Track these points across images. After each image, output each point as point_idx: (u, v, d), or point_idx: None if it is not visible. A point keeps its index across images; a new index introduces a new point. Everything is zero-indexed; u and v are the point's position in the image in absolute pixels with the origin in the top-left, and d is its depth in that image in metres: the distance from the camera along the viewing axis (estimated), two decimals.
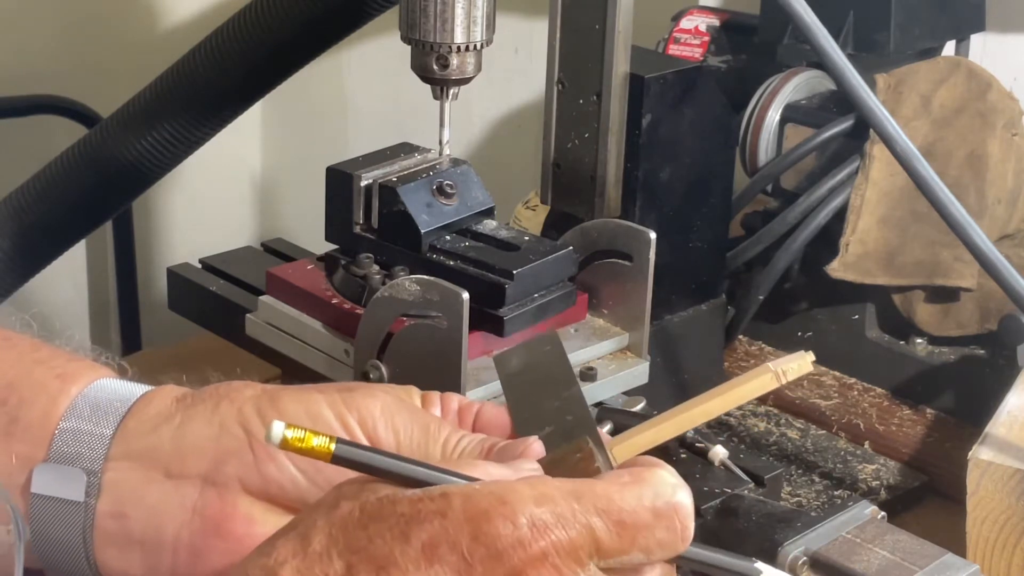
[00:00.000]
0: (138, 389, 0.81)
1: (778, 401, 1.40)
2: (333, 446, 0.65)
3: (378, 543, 0.62)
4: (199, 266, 1.37)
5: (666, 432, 0.80)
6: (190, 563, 0.77)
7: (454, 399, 0.82)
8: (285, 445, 0.64)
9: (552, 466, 0.70)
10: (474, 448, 0.74)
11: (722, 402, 0.84)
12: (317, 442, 0.64)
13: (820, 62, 1.16)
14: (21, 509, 0.77)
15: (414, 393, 0.81)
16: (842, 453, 1.32)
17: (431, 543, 0.62)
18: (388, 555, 0.62)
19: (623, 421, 1.08)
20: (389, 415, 0.75)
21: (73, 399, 0.79)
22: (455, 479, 0.66)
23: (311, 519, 0.65)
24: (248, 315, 1.21)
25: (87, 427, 0.78)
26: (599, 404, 1.12)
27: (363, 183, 1.15)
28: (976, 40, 1.56)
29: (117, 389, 0.81)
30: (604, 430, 1.07)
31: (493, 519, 0.62)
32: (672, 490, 0.67)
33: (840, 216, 1.37)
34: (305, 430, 0.64)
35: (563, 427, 0.75)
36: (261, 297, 1.21)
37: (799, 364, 0.82)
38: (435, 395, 0.81)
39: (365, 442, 0.74)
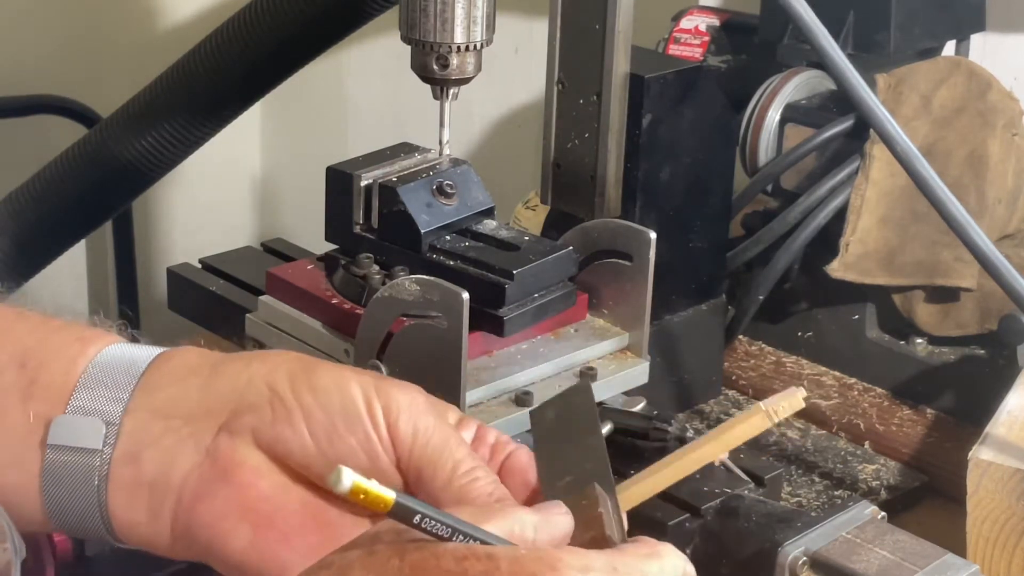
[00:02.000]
0: (156, 349, 0.82)
1: None
2: (393, 497, 0.65)
3: None
4: (199, 266, 1.37)
5: (665, 480, 0.82)
6: (190, 506, 0.78)
7: (492, 433, 0.81)
8: (352, 491, 0.64)
9: None
10: (487, 485, 0.75)
11: (717, 446, 0.86)
12: (380, 490, 0.65)
13: (820, 62, 1.16)
14: (36, 465, 0.78)
15: (451, 412, 0.80)
16: (842, 453, 1.32)
17: None
18: None
19: (623, 421, 1.08)
20: (415, 413, 0.76)
21: (91, 359, 0.80)
22: (502, 543, 0.67)
23: (346, 561, 0.66)
24: (248, 315, 1.21)
25: (108, 381, 0.79)
26: (599, 404, 1.12)
27: (363, 183, 1.15)
28: (976, 40, 1.56)
29: (135, 351, 0.82)
30: (604, 430, 1.07)
31: None
32: (684, 563, 0.71)
33: (840, 216, 1.37)
34: (371, 482, 0.64)
35: (581, 476, 0.76)
36: (261, 297, 1.21)
37: (790, 402, 0.84)
38: (473, 422, 0.81)
39: (383, 425, 0.75)
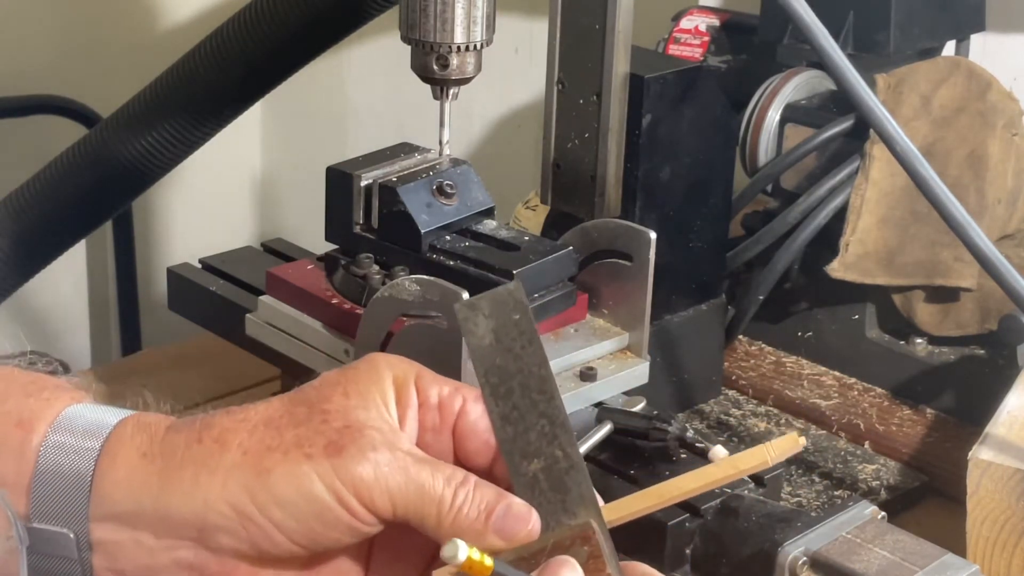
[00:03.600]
0: (95, 440, 0.78)
1: (778, 401, 1.40)
2: (491, 566, 0.69)
3: None
4: (199, 266, 1.37)
5: (655, 498, 0.79)
6: None
7: (433, 390, 0.79)
8: (465, 563, 0.67)
9: (556, 554, 0.73)
10: (472, 510, 0.74)
11: (711, 477, 0.84)
12: (485, 560, 0.69)
13: (820, 62, 1.16)
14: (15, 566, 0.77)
15: (387, 387, 0.77)
16: (842, 453, 1.32)
17: None
18: None
19: (623, 421, 1.08)
20: (383, 481, 0.73)
21: (37, 453, 0.77)
22: None
23: None
24: (248, 315, 1.21)
25: (62, 484, 0.77)
26: (599, 404, 1.12)
27: (363, 183, 1.15)
28: (976, 40, 1.56)
29: (76, 449, 0.78)
30: (604, 430, 1.07)
31: None
32: None
33: (840, 216, 1.37)
34: (482, 554, 0.68)
35: (553, 470, 0.75)
36: (261, 297, 1.21)
37: (790, 445, 0.85)
38: (411, 387, 0.78)
39: (361, 511, 0.73)
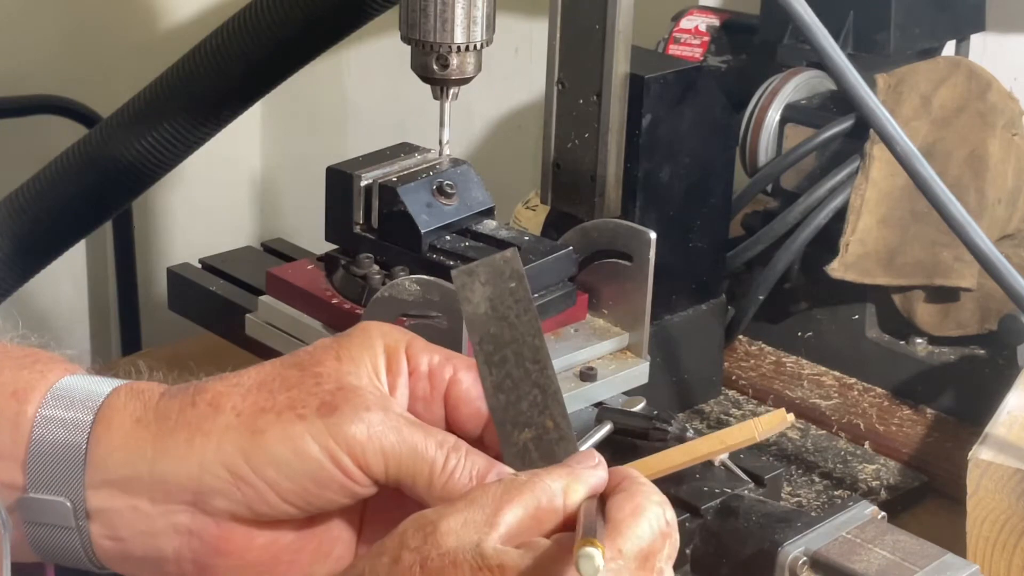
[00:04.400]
0: (88, 410, 0.78)
1: (778, 401, 1.40)
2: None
3: None
4: (199, 266, 1.37)
5: (642, 470, 0.79)
6: (198, 573, 0.78)
7: (424, 358, 0.79)
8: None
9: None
10: (463, 476, 0.74)
11: (698, 451, 0.84)
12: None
13: (820, 62, 1.16)
14: (19, 535, 0.77)
15: (379, 354, 0.78)
16: (842, 453, 1.32)
17: None
18: None
19: (623, 421, 1.08)
20: (376, 440, 0.73)
21: (32, 422, 0.77)
22: None
23: (375, 571, 0.67)
24: (248, 315, 1.21)
25: (57, 454, 0.77)
26: (599, 404, 1.12)
27: (363, 183, 1.15)
28: (976, 40, 1.56)
29: (72, 414, 0.78)
30: (604, 430, 1.07)
31: None
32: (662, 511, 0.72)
33: (840, 216, 1.37)
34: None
35: (544, 440, 0.75)
36: (261, 297, 1.21)
37: (778, 420, 0.85)
38: (401, 354, 0.78)
39: (355, 470, 0.73)
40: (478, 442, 0.77)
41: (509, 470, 0.74)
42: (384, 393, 0.77)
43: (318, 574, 0.78)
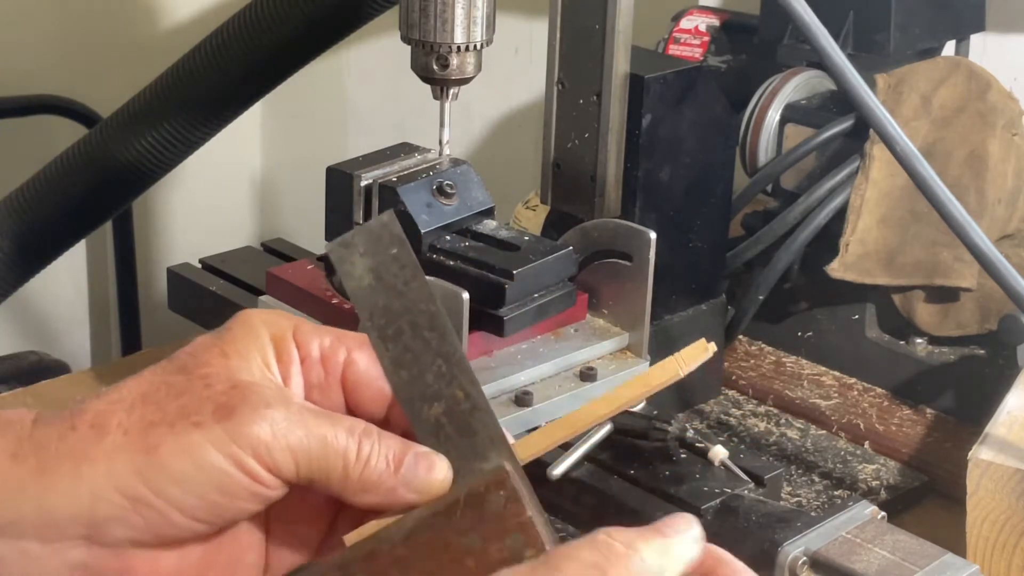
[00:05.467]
0: None
1: (778, 401, 1.40)
2: None
3: None
4: (199, 266, 1.37)
5: (566, 428, 0.73)
6: None
7: (314, 342, 0.73)
8: None
9: (471, 504, 0.68)
10: (380, 462, 0.69)
11: (623, 397, 0.81)
12: None
13: (820, 62, 1.16)
14: None
15: (266, 344, 0.72)
16: (842, 453, 1.32)
17: None
18: None
19: (623, 421, 1.08)
20: (282, 439, 0.68)
21: None
22: None
23: None
24: None
25: None
26: None
27: (363, 183, 1.15)
28: (976, 40, 1.56)
29: None
30: (604, 430, 1.07)
31: None
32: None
33: (840, 216, 1.37)
34: None
35: (456, 412, 0.69)
36: (261, 297, 1.21)
37: (699, 352, 0.82)
38: (290, 341, 0.72)
39: (263, 474, 0.68)
40: (384, 424, 0.72)
41: (426, 449, 0.70)
42: (279, 385, 0.71)
43: None
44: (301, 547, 0.74)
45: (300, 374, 0.72)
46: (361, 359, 0.73)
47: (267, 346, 0.72)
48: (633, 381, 0.77)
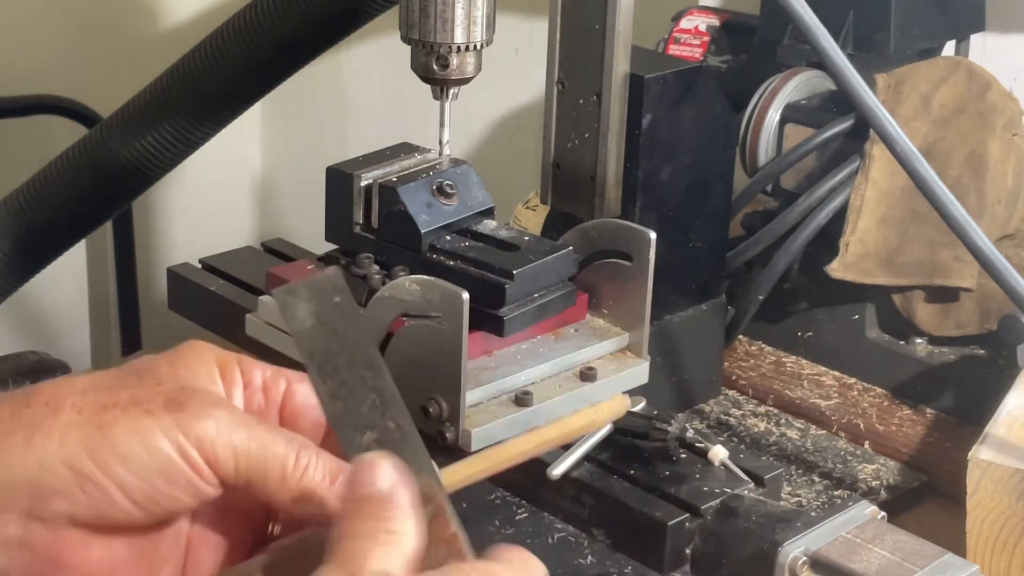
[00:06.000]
0: None
1: (778, 401, 1.40)
2: None
3: None
4: (199, 266, 1.37)
5: (490, 461, 0.79)
6: None
7: (256, 372, 0.77)
8: None
9: None
10: (317, 472, 0.72)
11: (543, 437, 0.83)
12: None
13: (820, 62, 1.16)
14: None
15: (212, 365, 0.76)
16: (842, 453, 1.32)
17: None
18: None
19: (623, 421, 1.08)
20: (226, 436, 0.71)
21: None
22: None
23: None
24: (248, 315, 1.21)
25: None
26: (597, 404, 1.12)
27: (363, 183, 1.15)
28: (976, 40, 1.56)
29: None
30: (604, 430, 1.07)
31: None
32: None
33: (840, 216, 1.37)
34: None
35: (387, 441, 0.73)
36: (261, 297, 1.21)
37: (617, 406, 0.89)
38: (235, 366, 0.77)
39: (204, 467, 0.71)
40: None
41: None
42: (224, 396, 0.75)
43: None
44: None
45: (242, 398, 0.76)
46: (300, 391, 0.77)
47: (213, 367, 0.76)
48: (554, 424, 0.82)
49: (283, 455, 0.72)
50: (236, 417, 0.73)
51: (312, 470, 0.72)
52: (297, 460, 0.72)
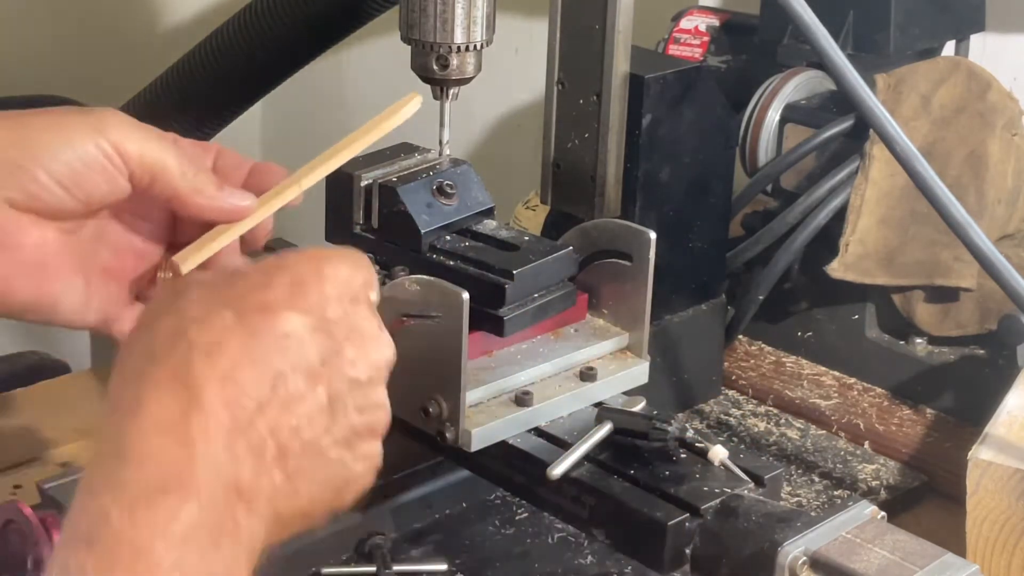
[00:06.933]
0: None
1: (778, 401, 1.40)
2: None
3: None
4: None
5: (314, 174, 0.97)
6: None
7: (229, 156, 0.95)
8: None
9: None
10: (207, 174, 0.90)
11: (358, 139, 1.03)
12: None
13: (820, 62, 1.16)
14: None
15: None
16: (842, 453, 1.32)
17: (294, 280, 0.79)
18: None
19: (623, 421, 1.08)
20: (135, 135, 0.88)
21: None
22: None
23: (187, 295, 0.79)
24: None
25: None
26: (599, 404, 1.12)
27: (363, 183, 1.15)
28: (976, 40, 1.56)
29: None
30: (604, 430, 1.07)
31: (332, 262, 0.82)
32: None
33: (840, 216, 1.37)
34: None
35: None
36: None
37: (408, 102, 1.01)
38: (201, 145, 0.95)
39: (114, 154, 0.87)
40: None
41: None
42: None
43: (67, 295, 0.90)
44: (121, 290, 0.93)
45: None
46: (225, 153, 0.96)
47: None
48: (367, 126, 1.05)
49: (177, 154, 0.89)
50: (142, 127, 0.89)
51: (203, 172, 0.90)
52: (191, 161, 0.90)
